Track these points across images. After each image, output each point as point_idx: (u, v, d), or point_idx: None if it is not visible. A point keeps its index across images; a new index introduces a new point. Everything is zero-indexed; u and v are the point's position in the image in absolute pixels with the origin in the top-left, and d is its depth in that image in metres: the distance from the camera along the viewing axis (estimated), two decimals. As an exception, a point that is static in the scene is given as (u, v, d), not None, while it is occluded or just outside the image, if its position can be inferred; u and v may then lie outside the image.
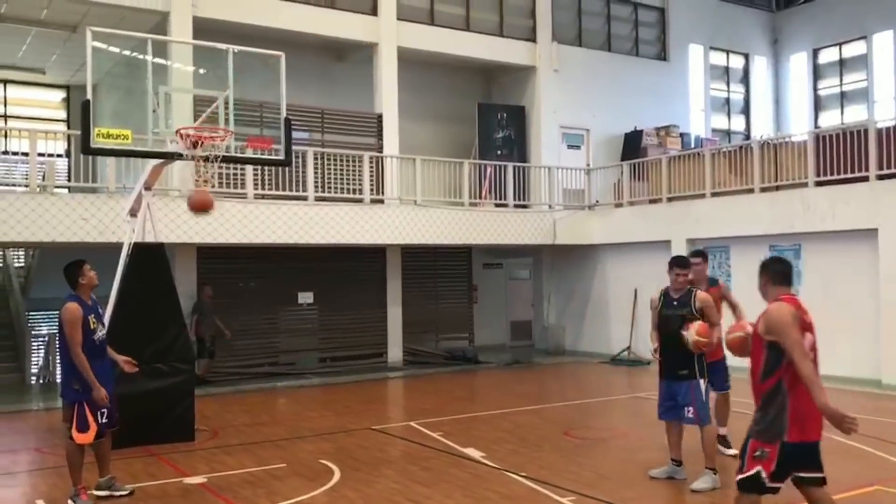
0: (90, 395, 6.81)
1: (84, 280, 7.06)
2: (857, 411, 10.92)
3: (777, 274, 5.04)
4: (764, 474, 4.68)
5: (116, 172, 13.04)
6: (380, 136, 17.07)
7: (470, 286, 19.41)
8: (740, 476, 4.83)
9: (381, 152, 16.65)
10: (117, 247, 10.13)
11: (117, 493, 7.26)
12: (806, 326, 4.82)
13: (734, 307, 8.35)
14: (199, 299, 14.78)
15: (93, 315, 7.04)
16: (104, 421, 6.99)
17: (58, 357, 9.55)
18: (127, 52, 10.52)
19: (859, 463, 8.16)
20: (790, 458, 4.68)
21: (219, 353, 15.13)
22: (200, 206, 8.19)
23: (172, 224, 12.90)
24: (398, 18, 17.40)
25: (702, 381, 7.24)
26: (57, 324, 7.21)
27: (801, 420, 4.65)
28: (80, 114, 8.78)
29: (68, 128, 18.48)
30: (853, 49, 23.05)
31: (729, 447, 8.22)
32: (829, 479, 7.40)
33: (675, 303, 7.39)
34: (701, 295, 7.39)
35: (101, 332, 7.11)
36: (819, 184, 14.02)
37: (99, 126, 8.69)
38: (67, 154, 15.54)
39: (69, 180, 14.36)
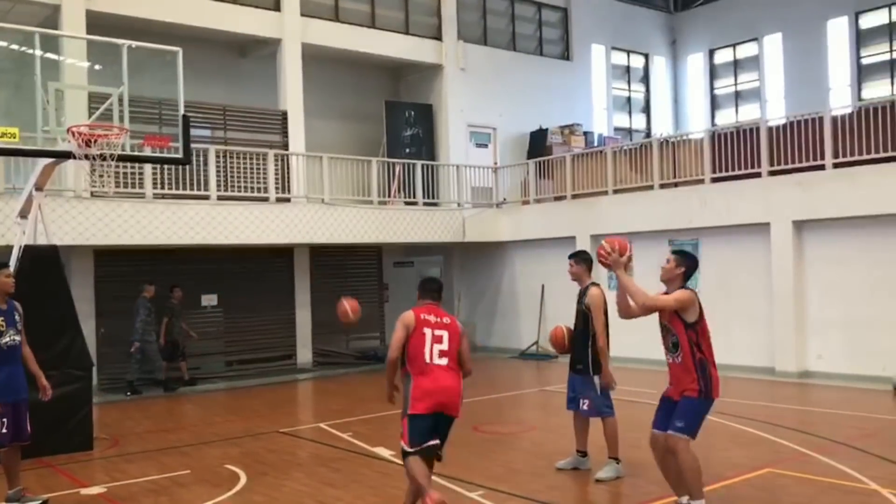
0: None
1: None
2: (752, 397, 11.42)
3: (424, 291, 6.20)
4: (404, 445, 5.78)
5: (5, 172, 12.42)
6: (285, 133, 16.82)
7: (381, 285, 19.33)
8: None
9: (287, 150, 16.40)
10: (6, 250, 9.66)
11: None
12: (428, 324, 5.91)
13: None
14: (169, 301, 14.54)
15: (1, 318, 6.83)
16: (3, 431, 6.72)
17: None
18: (15, 47, 10.02)
19: (752, 448, 8.51)
20: (415, 427, 5.76)
21: (120, 359, 14.63)
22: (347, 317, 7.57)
23: (67, 226, 12.39)
24: (302, 14, 17.17)
25: (596, 378, 7.39)
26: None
27: (417, 398, 5.76)
28: (-38, 110, 8.33)
29: (-48, 125, 17.49)
30: (746, 50, 24.01)
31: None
32: (725, 463, 7.72)
33: (580, 297, 7.57)
34: (592, 291, 7.50)
35: (10, 337, 6.87)
36: (715, 180, 14.56)
37: (-17, 123, 8.24)
38: (-49, 153, 14.70)
39: (-47, 181, 13.61)
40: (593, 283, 7.60)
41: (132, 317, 14.02)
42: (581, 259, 7.70)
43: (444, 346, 5.93)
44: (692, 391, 5.77)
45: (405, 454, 5.80)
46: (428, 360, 5.85)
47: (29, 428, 7.03)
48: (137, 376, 14.18)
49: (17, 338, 6.96)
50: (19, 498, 7.00)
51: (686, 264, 5.97)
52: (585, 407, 7.45)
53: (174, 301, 14.62)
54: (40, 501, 7.07)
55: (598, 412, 7.42)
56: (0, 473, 7.11)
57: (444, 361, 5.90)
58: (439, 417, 5.82)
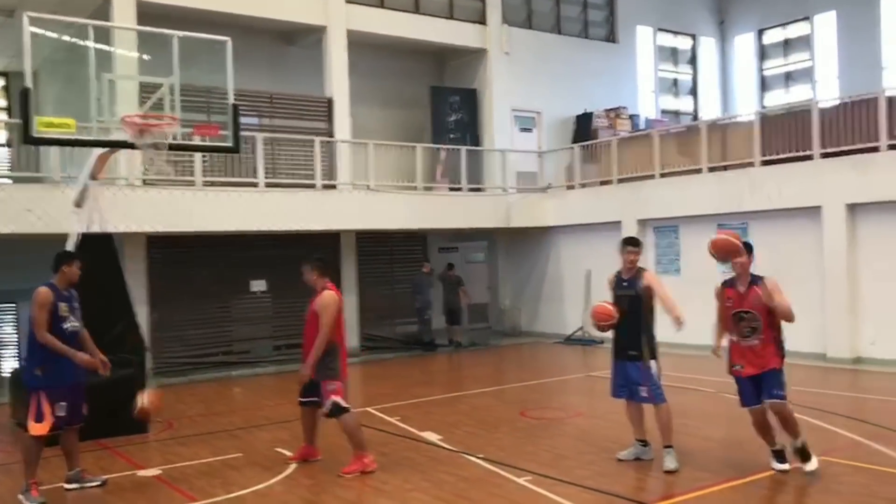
0: (50, 384, 6.83)
1: (64, 269, 7.13)
2: (803, 384, 11.24)
3: (323, 267, 7.92)
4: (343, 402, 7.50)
5: (61, 162, 12.71)
6: (330, 120, 16.91)
7: (425, 270, 19.40)
8: (329, 408, 7.64)
9: (332, 137, 16.51)
10: (63, 238, 9.90)
11: (88, 485, 7.22)
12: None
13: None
14: (447, 278, 17.66)
15: (66, 304, 7.04)
16: (61, 414, 6.91)
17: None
18: (67, 38, 10.22)
19: (804, 435, 8.37)
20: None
21: (173, 344, 15.10)
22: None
23: (120, 213, 12.58)
24: (347, 1, 17.21)
25: (653, 363, 7.31)
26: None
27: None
28: (20, 102, 8.53)
29: (9, 116, 17.96)
30: (797, 30, 23.45)
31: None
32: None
33: (624, 283, 7.49)
34: (648, 274, 7.49)
35: (71, 323, 7.07)
36: (765, 163, 14.30)
37: (40, 115, 8.45)
38: (9, 143, 15.10)
39: (11, 170, 13.96)
40: (642, 268, 7.59)
41: (414, 291, 17.54)
42: (640, 245, 7.73)
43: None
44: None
45: (345, 409, 7.57)
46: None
47: (84, 410, 7.21)
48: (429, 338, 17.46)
49: (78, 324, 7.16)
50: (79, 479, 7.23)
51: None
52: (645, 394, 7.31)
53: (450, 277, 17.66)
54: (99, 482, 7.29)
55: (656, 399, 7.31)
56: (59, 455, 7.32)
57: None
58: None
